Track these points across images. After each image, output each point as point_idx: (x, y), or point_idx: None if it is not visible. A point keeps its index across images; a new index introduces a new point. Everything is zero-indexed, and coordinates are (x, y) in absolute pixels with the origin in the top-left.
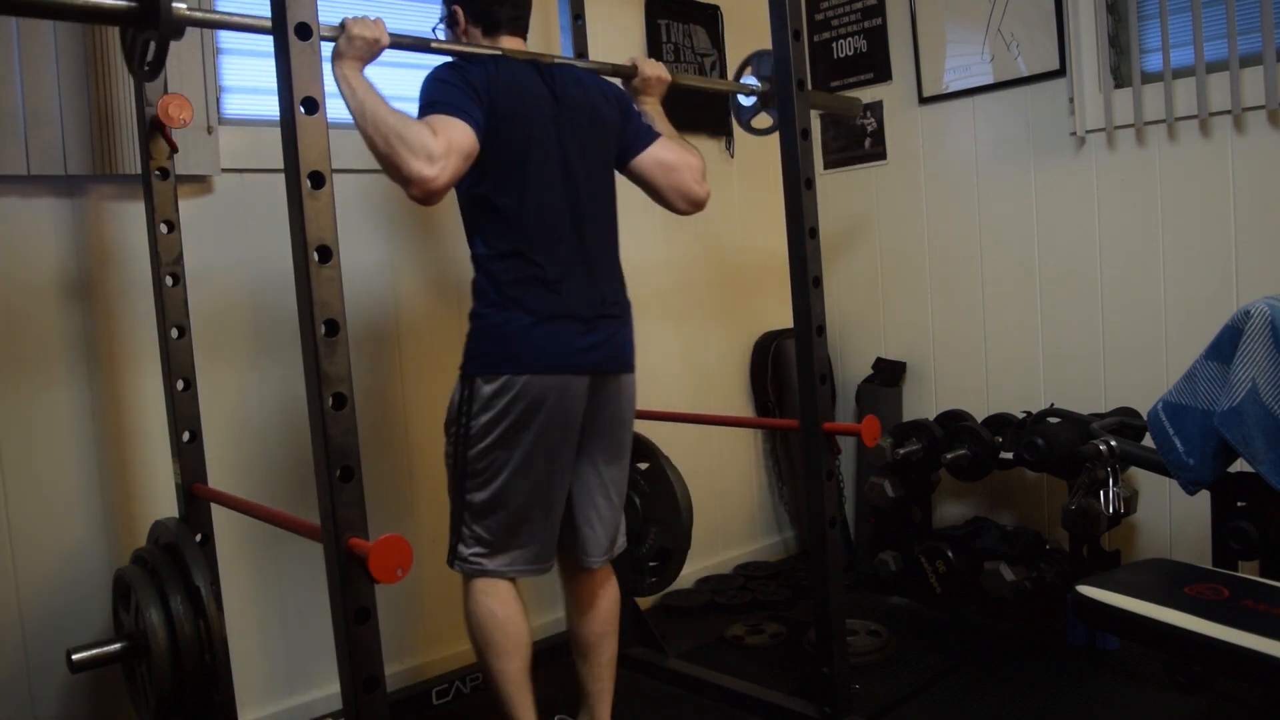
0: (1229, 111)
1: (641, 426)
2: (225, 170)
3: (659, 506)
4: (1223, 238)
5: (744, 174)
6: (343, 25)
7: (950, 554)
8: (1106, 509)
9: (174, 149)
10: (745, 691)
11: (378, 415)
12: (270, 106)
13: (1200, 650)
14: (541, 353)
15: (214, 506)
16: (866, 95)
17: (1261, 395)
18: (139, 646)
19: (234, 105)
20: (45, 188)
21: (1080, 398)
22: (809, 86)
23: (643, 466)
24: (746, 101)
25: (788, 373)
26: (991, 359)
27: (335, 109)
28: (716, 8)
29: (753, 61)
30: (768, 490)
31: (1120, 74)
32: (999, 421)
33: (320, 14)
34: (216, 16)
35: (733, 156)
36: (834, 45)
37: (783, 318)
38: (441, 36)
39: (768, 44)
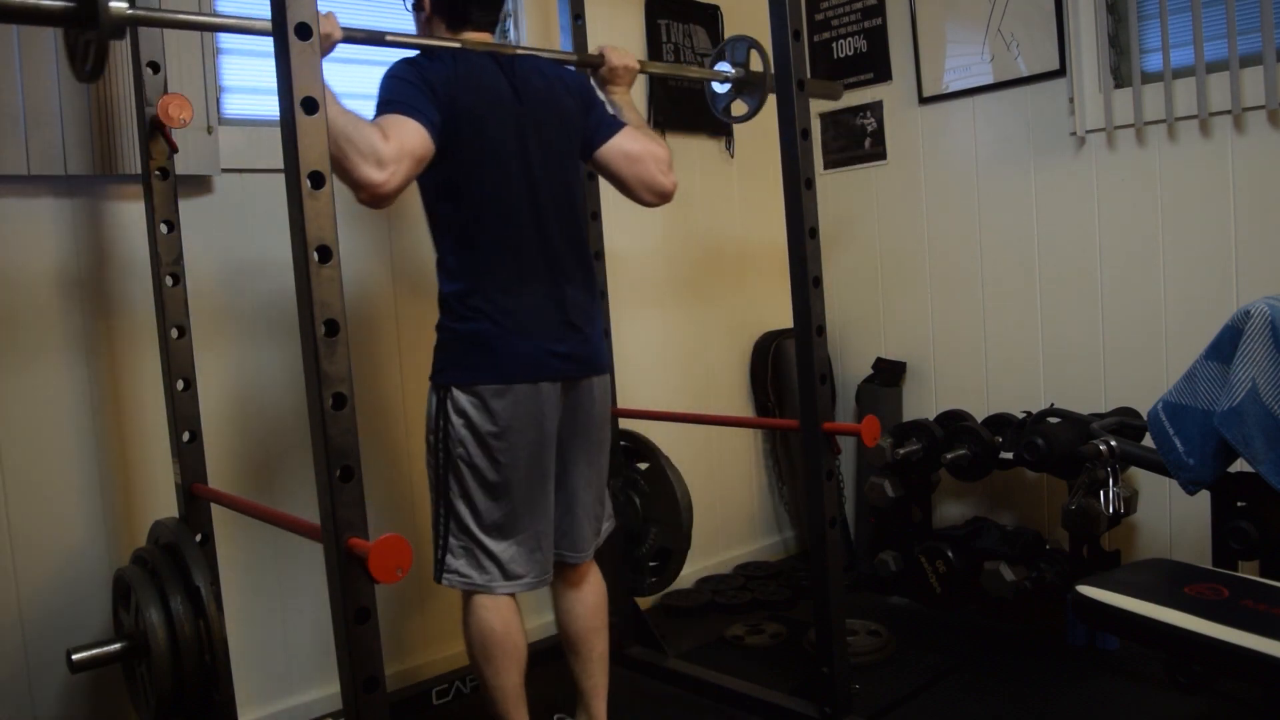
0: (1229, 111)
1: (641, 426)
2: (225, 170)
3: (659, 506)
4: (1223, 238)
5: (744, 174)
6: None
7: (950, 554)
8: (1106, 509)
9: (174, 149)
10: (745, 691)
11: (378, 415)
12: (270, 106)
13: (1200, 650)
14: (511, 362)
15: (214, 506)
16: (866, 95)
17: (1261, 395)
18: (139, 646)
19: (234, 105)
20: (45, 188)
21: (1080, 398)
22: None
23: (643, 466)
24: (721, 89)
25: (788, 373)
26: (991, 359)
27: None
28: (716, 8)
29: (727, 47)
30: (768, 490)
31: (1120, 74)
32: (999, 421)
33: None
34: (159, 15)
35: (733, 156)
36: (834, 45)
37: (783, 318)
38: (411, 16)
39: (768, 44)
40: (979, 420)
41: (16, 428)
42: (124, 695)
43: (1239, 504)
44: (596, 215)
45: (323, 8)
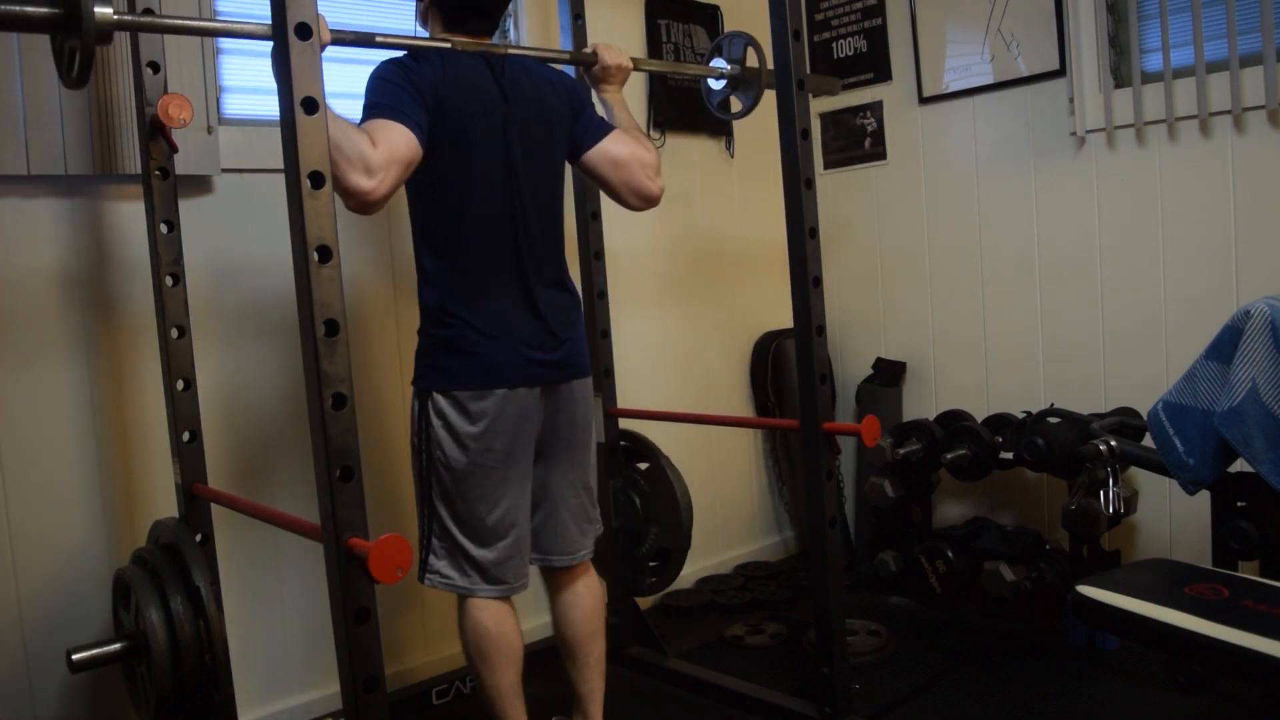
0: (1229, 111)
1: (641, 426)
2: (225, 170)
3: (659, 506)
4: (1223, 238)
5: (744, 174)
6: None
7: (950, 554)
8: (1106, 509)
9: (174, 149)
10: (745, 691)
11: (377, 415)
12: (270, 106)
13: (1200, 650)
14: (490, 368)
15: (214, 506)
16: (866, 95)
17: (1261, 395)
18: (139, 646)
19: (234, 105)
20: (45, 188)
21: (1080, 398)
22: (809, 86)
23: (643, 466)
24: (716, 85)
25: (788, 373)
26: (991, 359)
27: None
28: (716, 8)
29: (724, 44)
30: (768, 490)
31: (1120, 74)
32: (999, 421)
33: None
34: (146, 21)
35: (732, 156)
36: (834, 45)
37: (783, 318)
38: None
39: (768, 43)
40: (979, 420)
41: (16, 428)
42: (124, 695)
43: (1239, 504)
44: (597, 215)
45: (359, 12)
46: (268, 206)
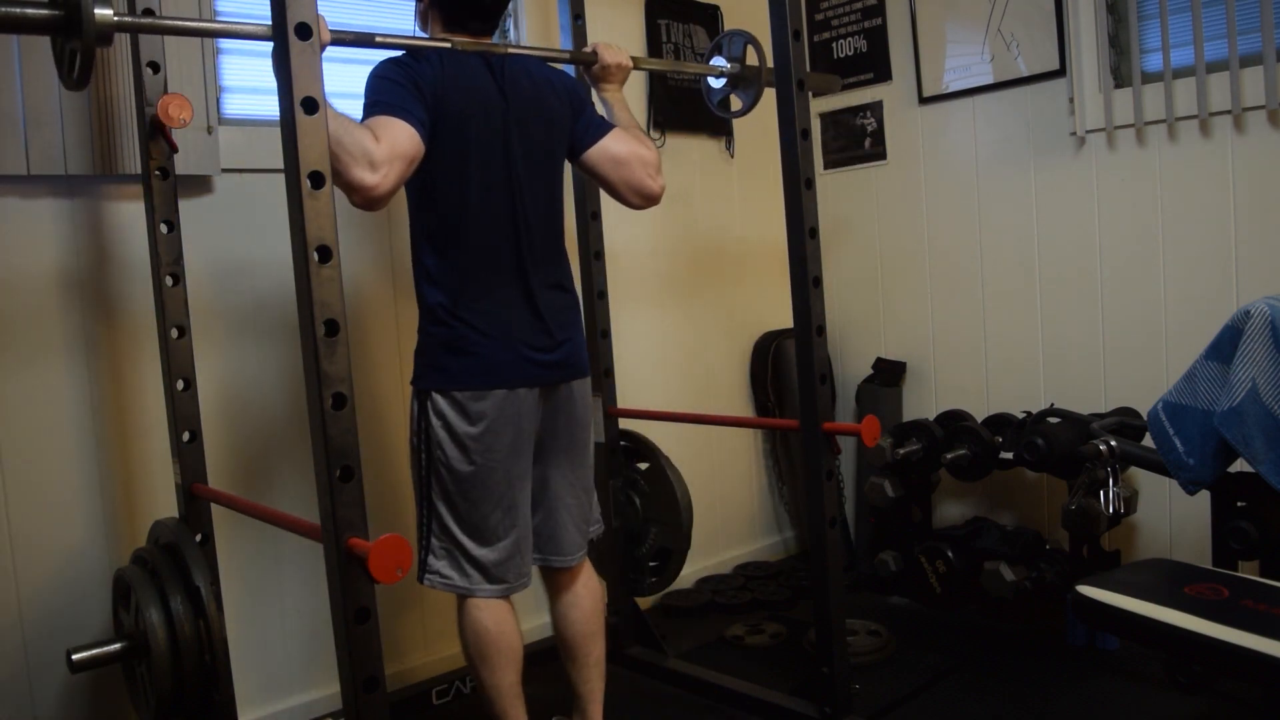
0: (1229, 111)
1: (642, 426)
2: (225, 170)
3: (659, 506)
4: (1223, 238)
5: (744, 174)
6: None
7: (950, 554)
8: (1106, 509)
9: (174, 149)
10: (745, 691)
11: (377, 415)
12: (270, 106)
13: (1200, 650)
14: (489, 368)
15: (214, 506)
16: (866, 95)
17: (1261, 395)
18: (139, 646)
19: (234, 105)
20: (45, 188)
21: (1080, 398)
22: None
23: (643, 466)
24: (716, 84)
25: (788, 373)
26: (991, 359)
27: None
28: (716, 8)
29: (723, 42)
30: (768, 490)
31: (1120, 74)
32: (999, 421)
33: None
34: (146, 22)
35: (733, 156)
36: (834, 45)
37: (783, 318)
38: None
39: (768, 43)
40: (979, 420)
41: (16, 428)
42: (124, 695)
43: (1239, 504)
44: (596, 215)
45: (357, 11)
46: (268, 206)
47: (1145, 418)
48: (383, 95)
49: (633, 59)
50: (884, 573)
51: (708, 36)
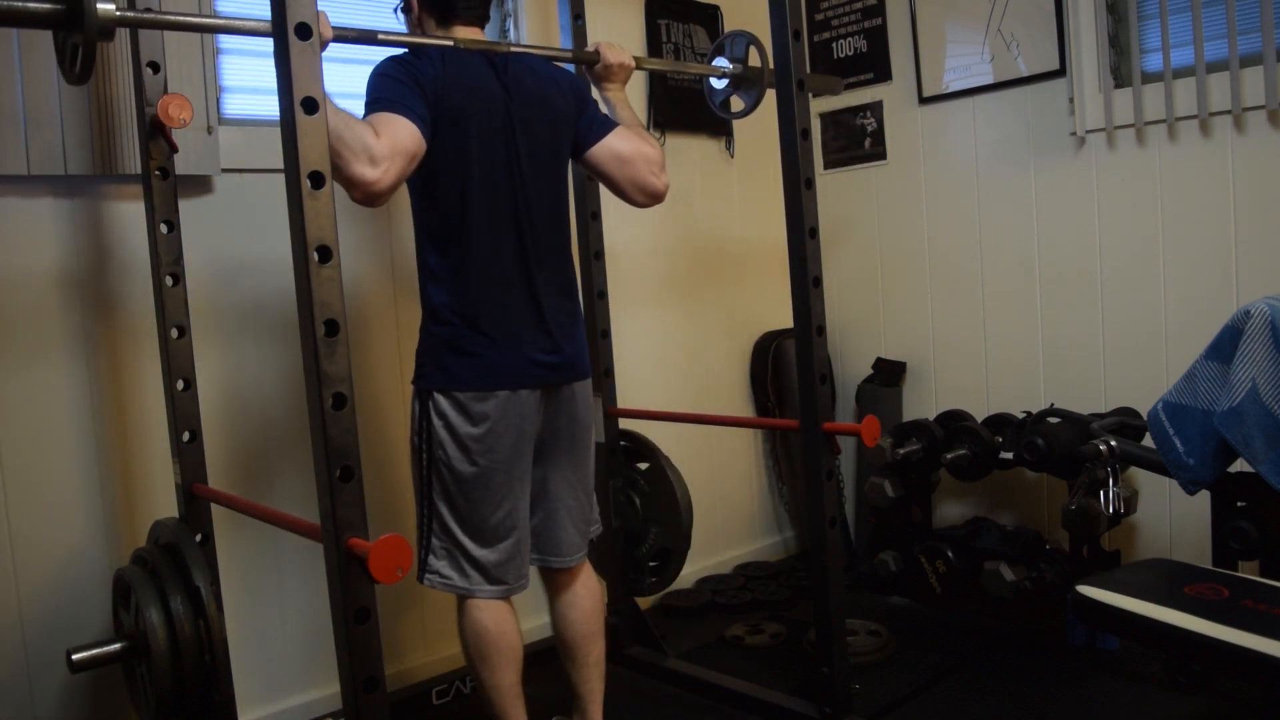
0: (1229, 111)
1: (641, 426)
2: (225, 170)
3: (659, 506)
4: (1223, 238)
5: (744, 174)
6: None
7: (950, 554)
8: (1106, 509)
9: (174, 149)
10: (745, 691)
11: (377, 415)
12: (270, 106)
13: (1200, 650)
14: (491, 369)
15: (214, 506)
16: (866, 95)
17: (1261, 395)
18: (139, 646)
19: (234, 105)
20: (45, 188)
21: (1080, 398)
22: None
23: (643, 466)
24: (719, 84)
25: (788, 373)
26: (991, 359)
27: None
28: (716, 8)
29: (726, 43)
30: (768, 490)
31: (1120, 74)
32: (999, 421)
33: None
34: (148, 17)
35: (733, 156)
36: (834, 45)
37: (783, 318)
38: (400, 20)
39: (768, 43)
40: (979, 420)
41: (16, 428)
42: (124, 695)
43: (1239, 504)
44: (596, 215)
45: (355, 10)
46: (268, 206)
47: (1145, 418)
48: (384, 92)
49: (635, 59)
50: (884, 573)
51: (707, 36)
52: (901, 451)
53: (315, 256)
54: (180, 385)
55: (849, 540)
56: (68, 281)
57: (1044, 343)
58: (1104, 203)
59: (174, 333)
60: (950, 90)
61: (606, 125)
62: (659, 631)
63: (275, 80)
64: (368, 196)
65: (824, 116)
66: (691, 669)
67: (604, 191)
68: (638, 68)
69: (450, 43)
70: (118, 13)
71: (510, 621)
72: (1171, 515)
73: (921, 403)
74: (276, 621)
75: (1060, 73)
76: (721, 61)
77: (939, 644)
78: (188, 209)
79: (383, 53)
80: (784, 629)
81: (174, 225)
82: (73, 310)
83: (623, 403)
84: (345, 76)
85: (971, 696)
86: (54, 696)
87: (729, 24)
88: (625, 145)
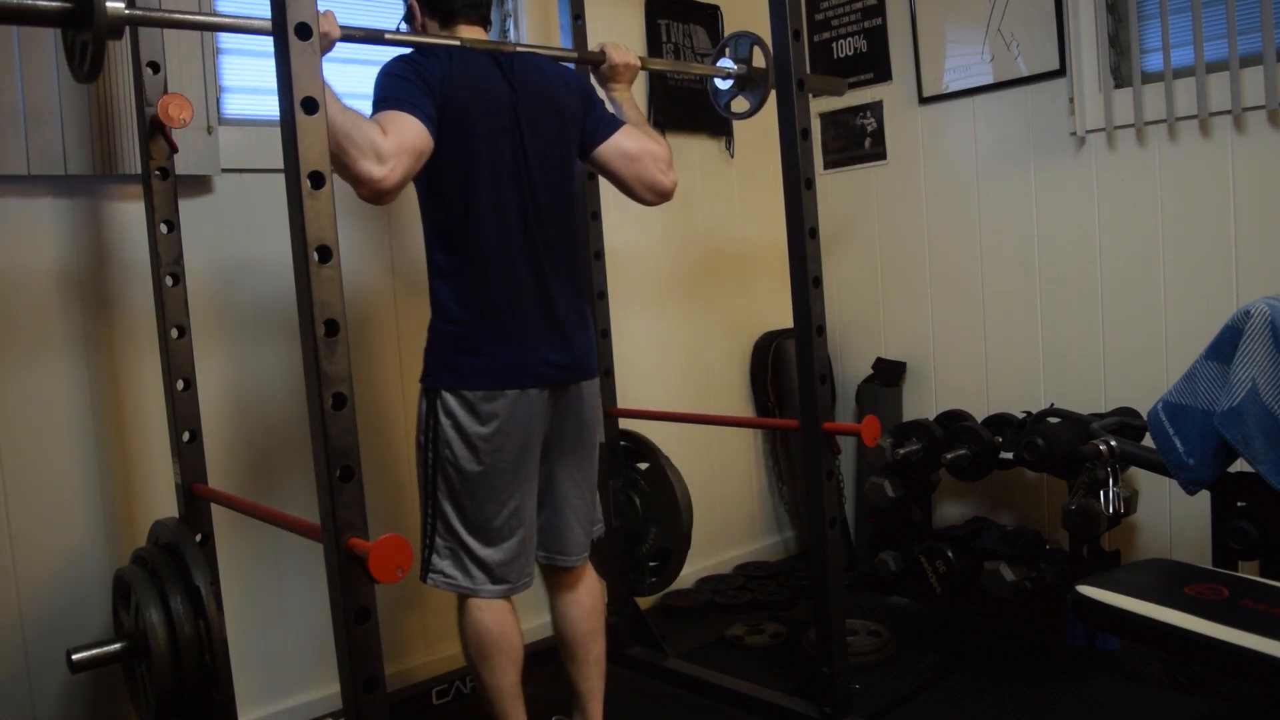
0: (1229, 111)
1: (641, 426)
2: (225, 170)
3: (659, 506)
4: (1223, 238)
5: (744, 174)
6: None
7: (950, 554)
8: (1106, 509)
9: (174, 149)
10: (745, 691)
11: (377, 415)
12: (270, 106)
13: (1200, 650)
14: (500, 368)
15: (214, 506)
16: (866, 95)
17: (1261, 395)
18: (139, 646)
19: (234, 105)
20: (45, 188)
21: (1080, 398)
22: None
23: (643, 466)
24: (723, 85)
25: (788, 373)
26: (991, 359)
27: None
28: (716, 8)
29: (730, 44)
30: (768, 490)
31: (1120, 74)
32: (999, 421)
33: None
34: (157, 15)
35: (733, 156)
36: (834, 45)
37: (783, 318)
38: (404, 30)
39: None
40: (979, 420)
41: (16, 428)
42: (124, 695)
43: (1239, 504)
44: (596, 215)
45: (321, 6)
46: (268, 206)
47: (1145, 418)
48: (391, 91)
49: (640, 59)
50: (884, 573)
51: (708, 36)
52: (901, 451)
53: (315, 256)
54: (180, 385)
55: (849, 540)
56: (68, 281)
57: (1044, 343)
58: (1104, 203)
59: (174, 333)
60: (950, 90)
61: (614, 123)
62: (659, 631)
63: (275, 80)
64: (374, 194)
65: (824, 116)
66: (691, 669)
67: (604, 191)
68: (642, 68)
69: (457, 42)
70: (126, 11)
71: (511, 621)
72: (1171, 515)
73: (921, 403)
74: (276, 621)
75: (1060, 73)
76: (726, 62)
77: (939, 644)
78: (188, 209)
79: (389, 53)
80: (784, 629)
81: (174, 225)
82: (73, 310)
83: (623, 403)
84: (352, 76)
85: (971, 696)
86: (54, 696)
87: (729, 24)
88: (633, 143)
